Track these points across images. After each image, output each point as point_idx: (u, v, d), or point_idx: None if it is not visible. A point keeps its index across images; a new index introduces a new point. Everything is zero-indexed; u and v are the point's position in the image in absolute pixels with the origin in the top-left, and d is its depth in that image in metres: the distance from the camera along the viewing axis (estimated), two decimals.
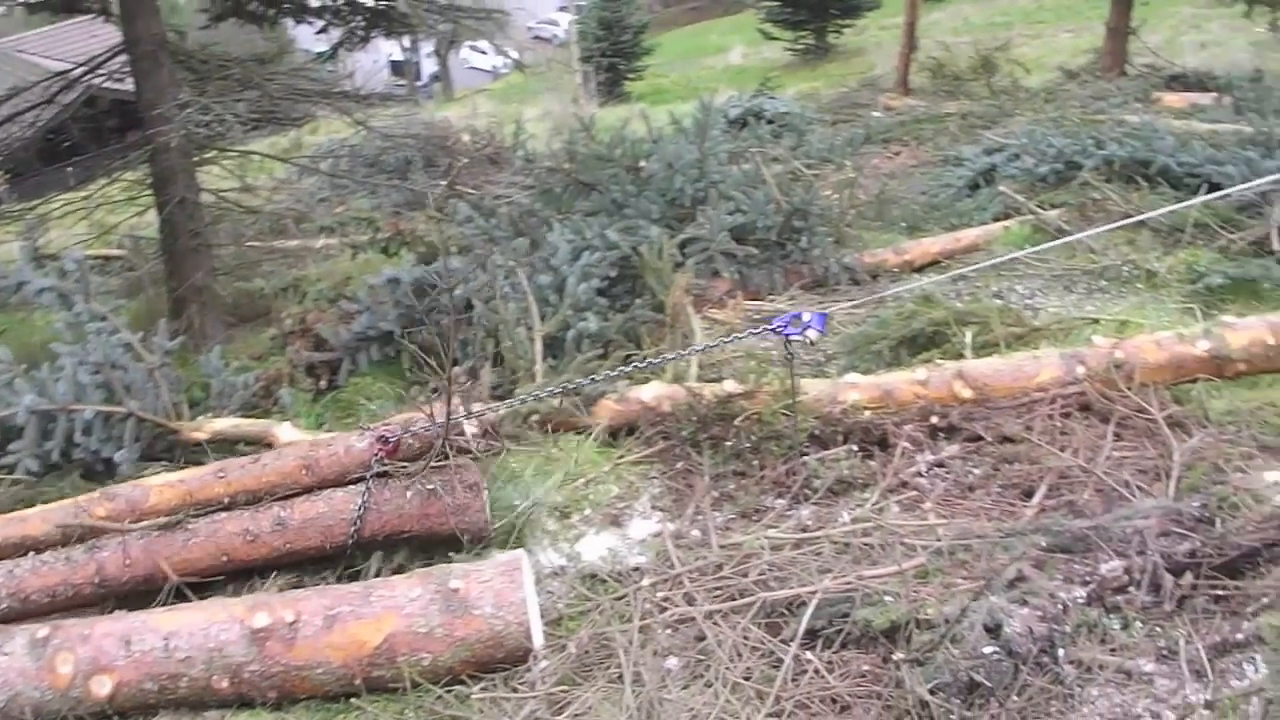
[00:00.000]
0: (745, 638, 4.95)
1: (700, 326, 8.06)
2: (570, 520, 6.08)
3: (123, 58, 11.07)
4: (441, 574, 5.11)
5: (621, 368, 6.63)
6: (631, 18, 47.09)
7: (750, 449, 6.42)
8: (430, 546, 5.88)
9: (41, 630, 5.10)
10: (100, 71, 11.78)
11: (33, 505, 6.40)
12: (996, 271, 8.94)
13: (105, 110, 16.05)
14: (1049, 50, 30.98)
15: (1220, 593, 4.83)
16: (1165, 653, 4.52)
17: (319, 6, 12.35)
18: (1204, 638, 4.55)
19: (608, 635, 5.12)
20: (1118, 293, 8.43)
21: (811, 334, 6.21)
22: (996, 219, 10.88)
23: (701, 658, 4.90)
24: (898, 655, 4.59)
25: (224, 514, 5.95)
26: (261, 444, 7.12)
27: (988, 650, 4.43)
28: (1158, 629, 4.67)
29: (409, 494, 5.81)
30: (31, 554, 5.95)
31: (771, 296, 9.32)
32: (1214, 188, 9.82)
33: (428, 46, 57.72)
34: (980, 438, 6.37)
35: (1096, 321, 7.67)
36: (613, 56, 45.06)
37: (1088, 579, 4.93)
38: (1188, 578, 4.86)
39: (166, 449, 7.31)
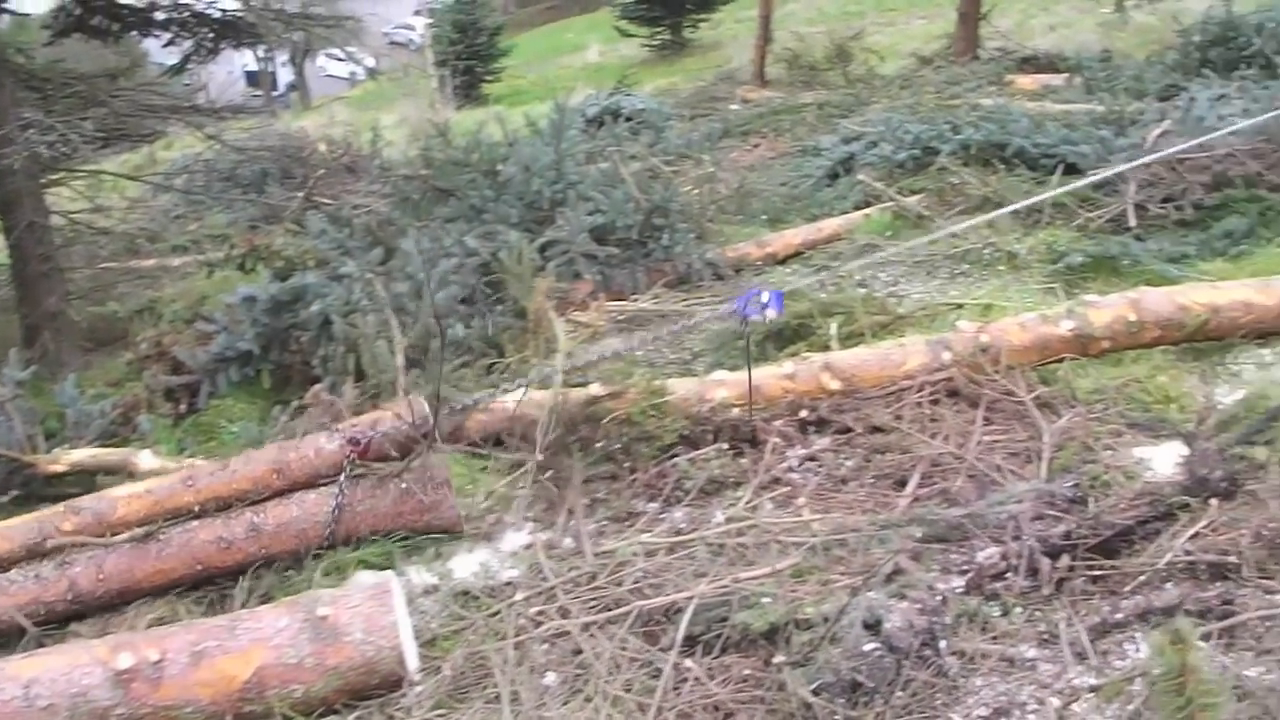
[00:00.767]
0: (623, 648, 4.84)
1: (564, 331, 7.95)
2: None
3: None
4: (309, 601, 4.95)
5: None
6: (487, 19, 46.91)
7: (621, 451, 6.34)
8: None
9: None
10: None
11: None
12: (858, 260, 8.94)
13: None
14: (903, 37, 31.33)
15: (1097, 573, 4.84)
16: (1046, 637, 4.51)
17: (164, 19, 12.07)
18: (1084, 619, 4.55)
19: (483, 654, 4.99)
20: (980, 276, 8.47)
21: (770, 313, 6.26)
22: (857, 207, 10.91)
23: (580, 672, 4.78)
24: (778, 658, 4.51)
25: (196, 522, 5.82)
26: (122, 473, 6.91)
27: (868, 647, 4.37)
28: (1037, 613, 4.66)
29: (380, 493, 5.77)
30: None
31: (635, 296, 9.25)
32: (1069, 168, 9.93)
33: (283, 55, 57.11)
34: (850, 429, 6.34)
35: (961, 306, 7.69)
36: (469, 59, 44.80)
37: (965, 568, 4.92)
38: (1064, 560, 4.87)
39: (23, 484, 7.06)
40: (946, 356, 6.58)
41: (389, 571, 5.44)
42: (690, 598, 4.94)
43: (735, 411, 6.49)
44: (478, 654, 5.00)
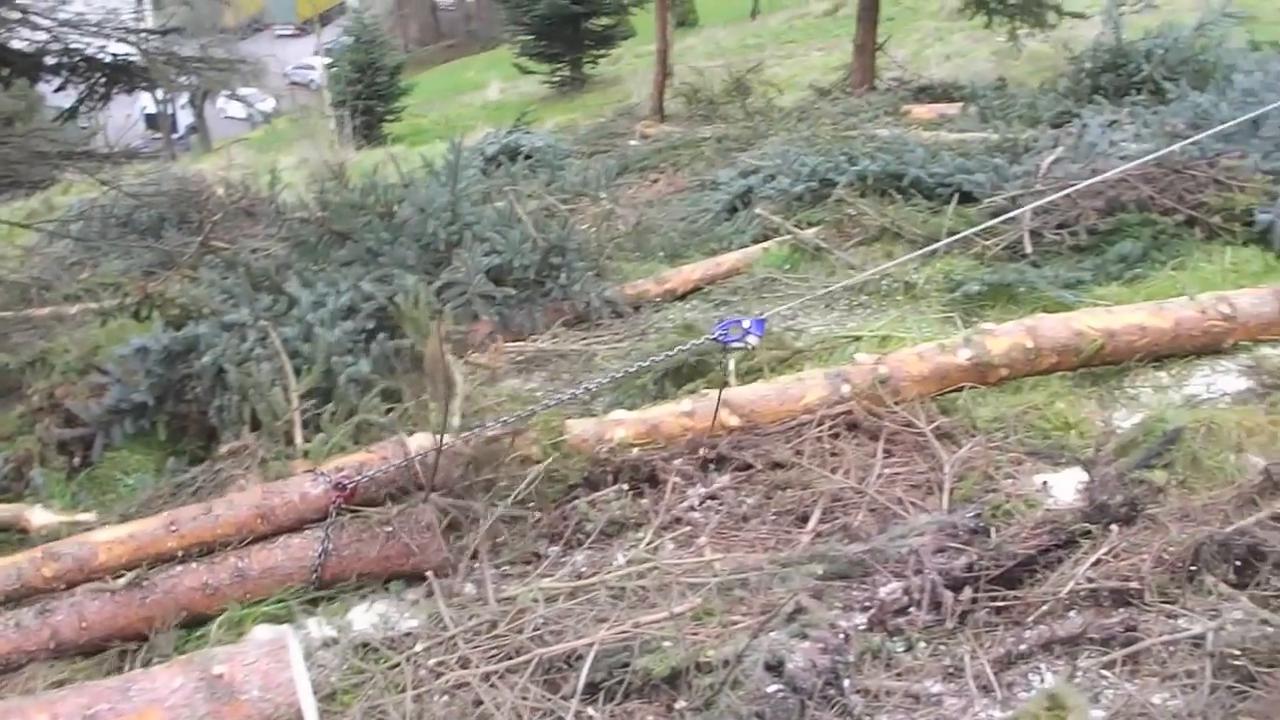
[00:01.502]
0: (524, 698, 4.75)
1: (462, 374, 7.87)
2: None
3: None
4: (204, 660, 4.82)
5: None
6: (386, 59, 46.66)
7: (523, 493, 6.25)
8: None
9: None
10: None
11: None
12: (758, 294, 8.94)
13: None
14: (801, 69, 31.55)
15: (1001, 604, 4.84)
16: (951, 671, 4.49)
17: (55, 64, 11.92)
18: (988, 651, 4.55)
19: (383, 708, 4.88)
20: (879, 307, 8.48)
21: (752, 339, 6.26)
22: (756, 241, 10.88)
23: None
24: (680, 703, 4.45)
25: (180, 567, 5.74)
26: (14, 530, 6.76)
27: (771, 689, 4.33)
28: (941, 647, 4.65)
29: (367, 537, 5.77)
30: None
31: (534, 336, 9.19)
32: (965, 196, 9.98)
33: (182, 98, 56.56)
34: (751, 466, 6.29)
35: (859, 338, 7.67)
36: (369, 99, 44.56)
37: (867, 604, 4.89)
38: (967, 592, 4.86)
39: None
40: (845, 390, 6.55)
41: (286, 625, 5.34)
42: (591, 644, 4.86)
43: (635, 451, 6.42)
44: (377, 708, 4.90)
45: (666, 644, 4.76)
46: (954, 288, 8.29)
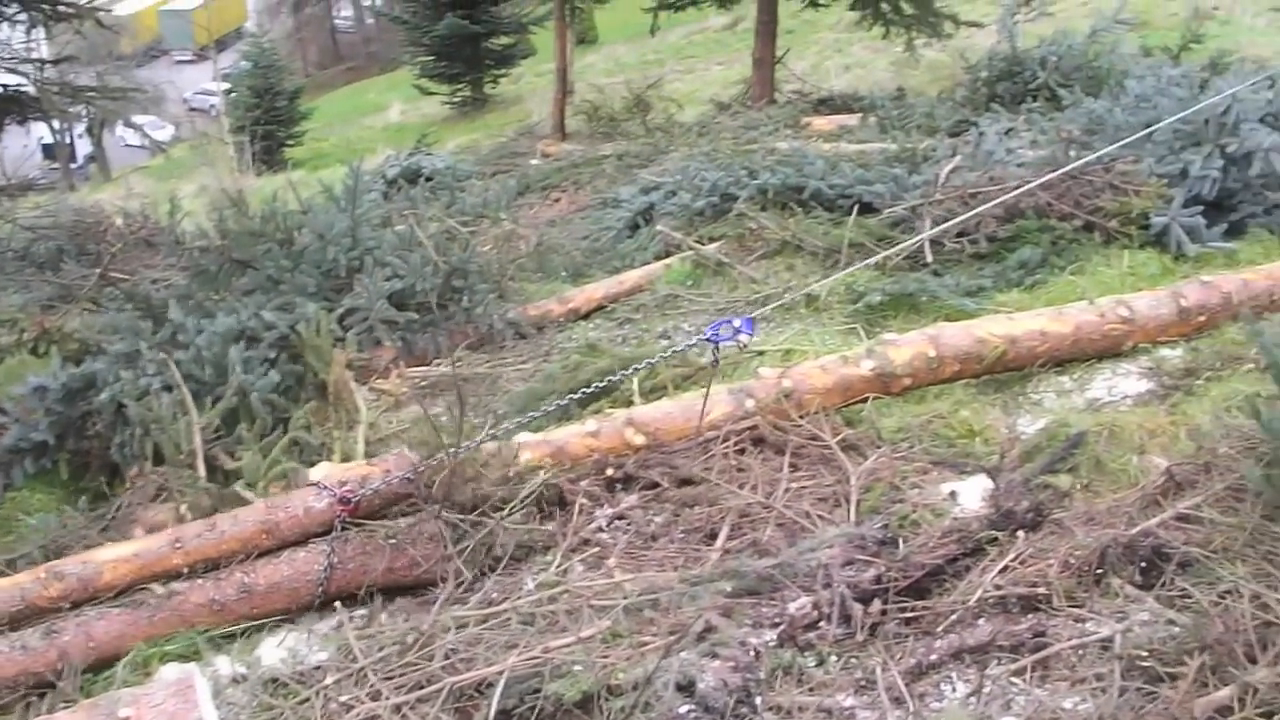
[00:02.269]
0: None
1: (365, 401, 7.80)
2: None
3: None
4: (109, 703, 4.72)
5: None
6: (284, 83, 46.41)
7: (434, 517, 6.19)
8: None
9: None
10: None
11: None
12: (661, 311, 8.93)
13: None
14: (701, 84, 31.67)
15: (910, 615, 4.85)
16: (863, 684, 4.49)
17: None
18: (899, 663, 4.55)
19: None
20: (782, 320, 8.46)
21: (743, 338, 6.27)
22: (658, 257, 10.86)
23: None
24: None
25: (186, 584, 5.73)
26: None
27: (683, 710, 4.32)
28: (853, 661, 4.65)
29: (372, 549, 5.80)
30: None
31: (437, 360, 9.10)
32: (865, 207, 10.02)
33: (80, 127, 55.83)
34: (658, 484, 6.25)
35: (762, 353, 7.66)
36: (268, 124, 44.27)
37: (777, 620, 4.87)
38: (876, 605, 4.86)
39: None
40: (750, 404, 6.54)
41: (193, 664, 5.25)
42: (501, 671, 4.81)
43: (542, 474, 6.37)
44: None
45: (577, 668, 4.72)
46: (856, 299, 8.31)
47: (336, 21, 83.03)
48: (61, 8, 13.03)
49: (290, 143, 45.57)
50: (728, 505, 5.92)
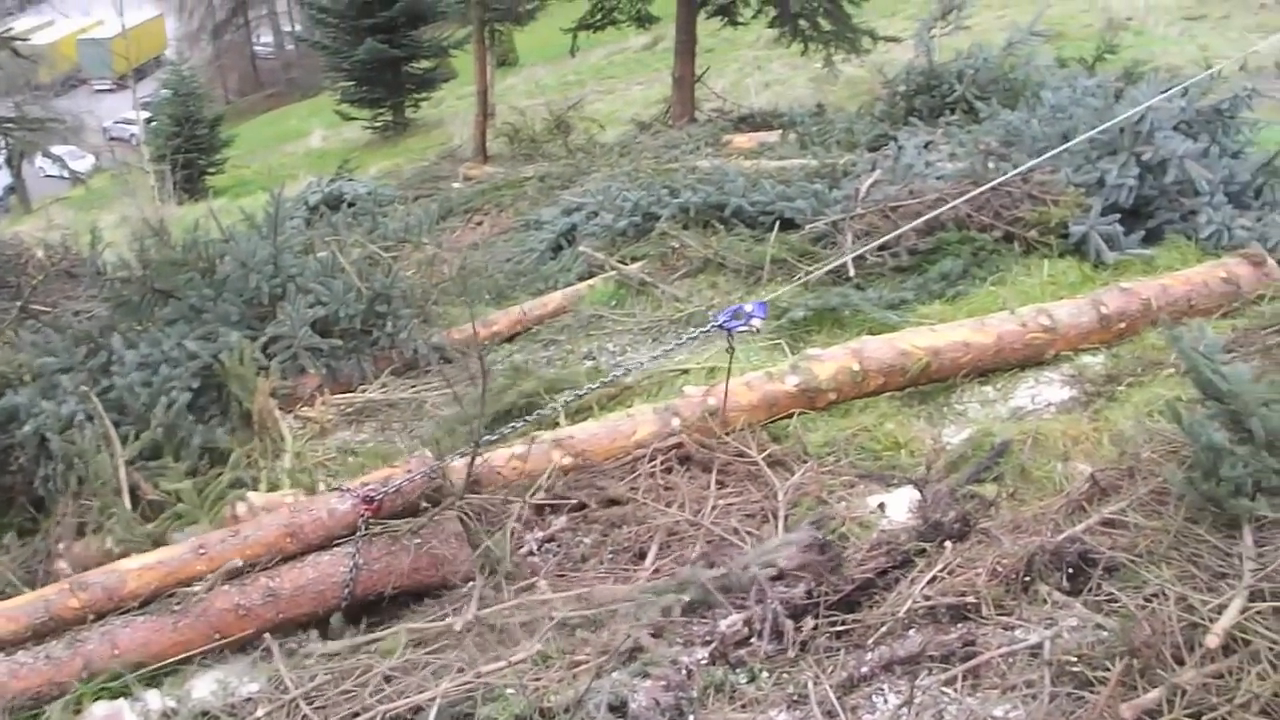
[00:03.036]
0: None
1: (290, 429, 7.74)
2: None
3: None
4: None
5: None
6: (205, 110, 45.98)
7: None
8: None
9: None
10: None
11: None
12: (585, 332, 8.91)
13: None
14: (622, 104, 31.70)
15: (841, 628, 4.84)
16: (796, 699, 4.47)
17: None
18: (831, 677, 4.54)
19: None
20: (706, 338, 8.47)
21: (756, 323, 6.33)
22: (581, 278, 10.87)
23: None
24: None
25: (210, 590, 5.66)
26: None
27: None
28: (785, 676, 4.63)
29: (396, 549, 5.80)
30: (2, 655, 5.41)
31: (363, 387, 9.06)
32: (786, 223, 10.04)
33: None
34: (586, 505, 6.25)
35: (686, 371, 7.66)
36: (189, 152, 43.84)
37: (708, 638, 4.84)
38: (807, 620, 4.84)
39: None
40: (675, 423, 6.54)
41: (122, 700, 5.20)
42: (434, 698, 4.78)
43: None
44: None
45: (510, 692, 4.70)
46: (779, 315, 8.32)
47: (256, 48, 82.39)
48: None
49: (212, 171, 45.15)
50: (656, 524, 5.92)
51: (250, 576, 5.71)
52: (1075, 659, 4.28)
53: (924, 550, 5.19)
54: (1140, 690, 4.01)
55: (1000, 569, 4.88)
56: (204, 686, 5.40)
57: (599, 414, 7.09)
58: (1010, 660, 4.39)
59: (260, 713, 5.07)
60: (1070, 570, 4.78)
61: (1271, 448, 4.71)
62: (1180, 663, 4.05)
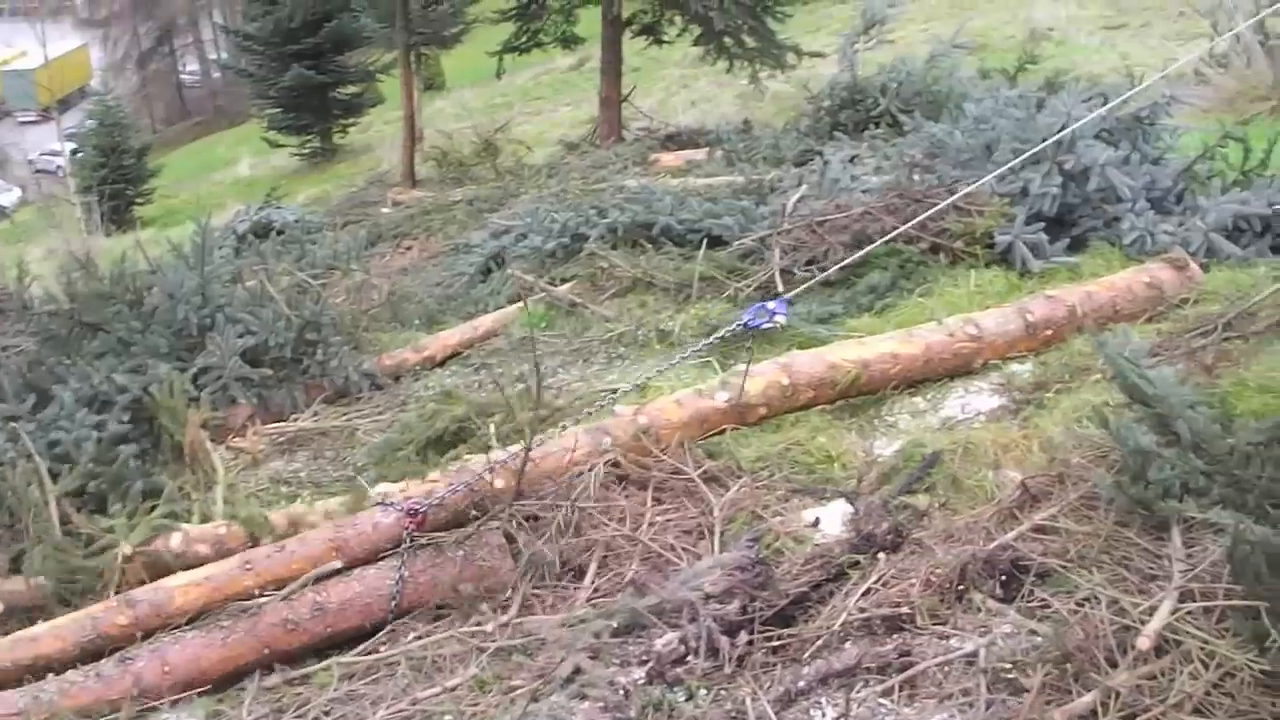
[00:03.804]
0: None
1: (222, 460, 7.68)
2: None
3: None
4: None
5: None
6: (132, 141, 45.58)
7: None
8: None
9: None
10: None
11: None
12: (517, 355, 8.91)
13: None
14: (549, 125, 31.69)
15: (777, 643, 4.85)
16: (733, 715, 4.48)
17: None
18: (768, 692, 4.54)
19: None
20: (636, 357, 8.50)
21: (780, 319, 6.60)
22: (511, 301, 10.86)
23: None
24: None
25: (259, 606, 5.72)
26: None
27: None
28: (723, 693, 4.63)
29: (441, 561, 5.85)
30: (51, 675, 5.43)
31: (295, 416, 9.01)
32: (714, 240, 10.07)
33: None
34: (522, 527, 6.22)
35: (616, 391, 7.65)
36: (116, 183, 43.43)
37: (644, 657, 4.84)
38: (743, 636, 4.84)
39: None
40: (607, 442, 6.53)
41: None
42: None
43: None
44: None
45: (447, 717, 4.69)
46: (709, 332, 8.33)
47: (183, 76, 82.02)
48: None
49: (139, 201, 44.72)
50: (593, 538, 5.91)
51: (298, 591, 5.74)
52: (1010, 665, 4.31)
53: (858, 562, 5.21)
54: (1074, 694, 4.04)
55: (934, 579, 4.91)
56: None
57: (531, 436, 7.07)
58: (946, 669, 4.41)
59: None
60: (1003, 578, 4.82)
61: (1198, 449, 4.77)
62: (1113, 665, 4.08)
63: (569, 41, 25.52)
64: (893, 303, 8.53)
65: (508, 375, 8.59)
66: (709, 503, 6.06)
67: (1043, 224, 8.79)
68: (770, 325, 6.51)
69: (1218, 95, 13.87)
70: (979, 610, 4.71)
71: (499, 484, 6.38)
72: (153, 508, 6.92)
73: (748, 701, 4.49)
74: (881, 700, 4.37)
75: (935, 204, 8.88)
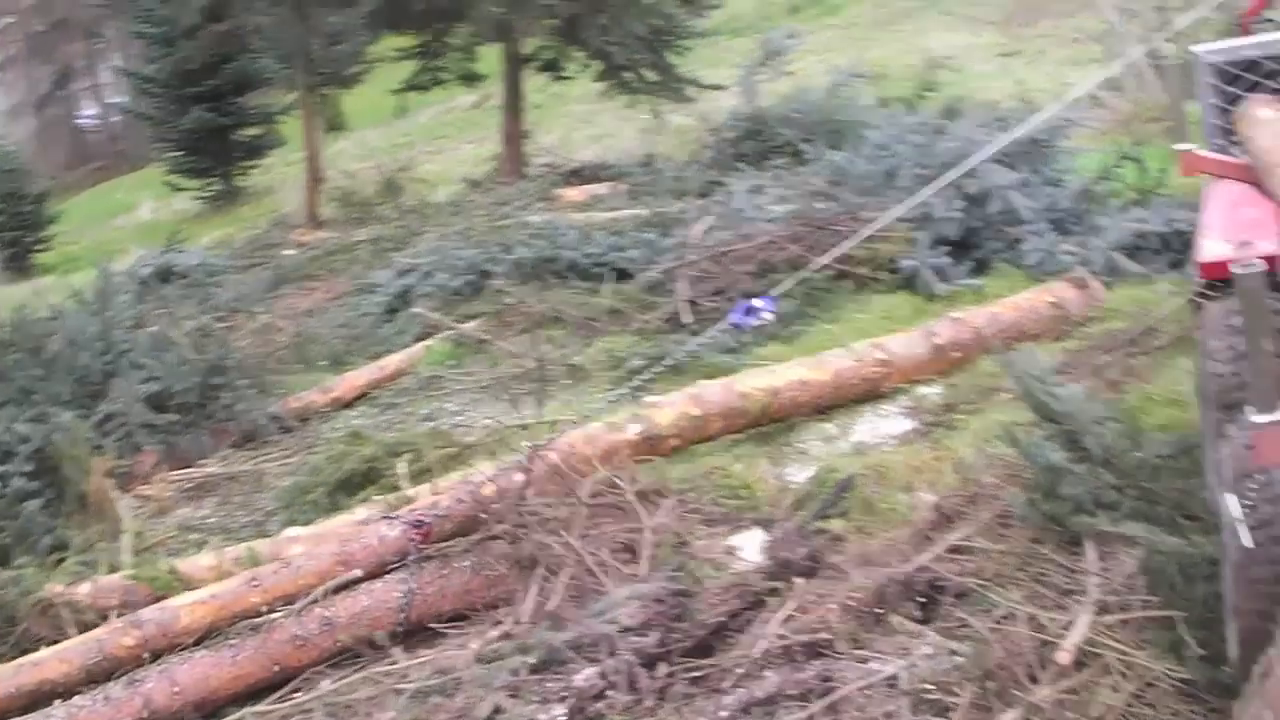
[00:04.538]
0: None
1: (129, 508, 7.57)
2: None
3: None
4: None
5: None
6: (30, 186, 44.95)
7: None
8: None
9: None
10: None
11: None
12: (425, 393, 8.85)
13: None
14: (453, 163, 31.53)
15: (697, 674, 4.82)
16: None
17: None
18: None
19: None
20: (546, 393, 8.44)
21: (767, 315, 6.75)
22: (418, 340, 10.78)
23: None
24: None
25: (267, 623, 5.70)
26: None
27: None
28: None
29: (448, 572, 5.84)
30: (58, 700, 5.44)
31: (202, 461, 8.90)
32: (620, 273, 10.07)
33: None
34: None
35: (526, 427, 7.60)
36: (14, 230, 42.79)
37: (564, 694, 4.79)
38: (662, 668, 4.81)
39: None
40: (519, 479, 6.47)
41: None
42: None
43: None
44: None
45: None
46: (617, 364, 8.32)
47: (81, 120, 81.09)
48: None
49: (39, 248, 43.95)
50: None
51: (306, 607, 5.70)
52: (932, 687, 4.30)
53: (775, 589, 5.19)
54: (996, 711, 4.04)
55: (852, 603, 4.90)
56: None
57: (440, 475, 7.00)
58: (868, 693, 4.40)
59: None
60: (921, 599, 4.83)
61: (1108, 464, 4.80)
62: (1035, 681, 4.09)
63: (470, 79, 25.41)
64: (801, 330, 8.54)
65: (415, 414, 8.55)
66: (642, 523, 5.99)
67: (947, 248, 8.87)
68: (757, 321, 6.51)
69: (1113, 117, 14.04)
70: (898, 633, 4.72)
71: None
72: (60, 560, 6.82)
73: None
74: None
75: (839, 231, 8.94)
